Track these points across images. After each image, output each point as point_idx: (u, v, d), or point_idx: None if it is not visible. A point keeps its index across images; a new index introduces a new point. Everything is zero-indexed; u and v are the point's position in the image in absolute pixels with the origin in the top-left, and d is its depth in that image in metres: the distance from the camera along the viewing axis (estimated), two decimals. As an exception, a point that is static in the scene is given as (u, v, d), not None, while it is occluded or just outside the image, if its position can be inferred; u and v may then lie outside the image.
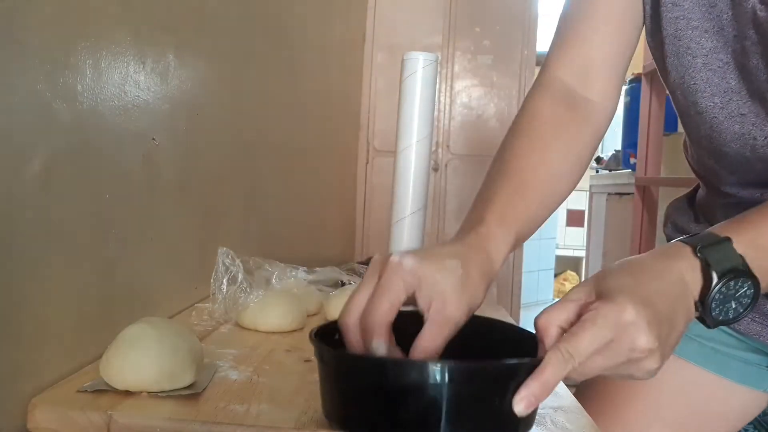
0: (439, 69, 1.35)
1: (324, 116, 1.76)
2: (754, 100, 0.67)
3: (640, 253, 2.79)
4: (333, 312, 0.90)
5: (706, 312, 0.54)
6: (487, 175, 0.69)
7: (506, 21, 2.30)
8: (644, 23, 0.74)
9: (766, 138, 0.68)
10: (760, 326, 0.78)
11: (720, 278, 0.53)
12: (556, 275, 4.77)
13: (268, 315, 0.81)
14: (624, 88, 3.57)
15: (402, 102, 1.05)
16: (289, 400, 0.57)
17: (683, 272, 0.53)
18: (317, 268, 0.94)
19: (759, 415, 0.83)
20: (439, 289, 0.53)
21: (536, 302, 4.38)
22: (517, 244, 0.64)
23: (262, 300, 0.82)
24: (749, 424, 0.84)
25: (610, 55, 0.74)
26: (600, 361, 0.48)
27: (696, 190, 0.89)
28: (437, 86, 1.12)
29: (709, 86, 0.69)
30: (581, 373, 0.48)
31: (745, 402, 0.83)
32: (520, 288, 2.32)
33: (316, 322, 0.88)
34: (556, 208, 0.73)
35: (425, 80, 1.04)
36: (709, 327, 0.55)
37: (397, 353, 0.53)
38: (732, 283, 0.53)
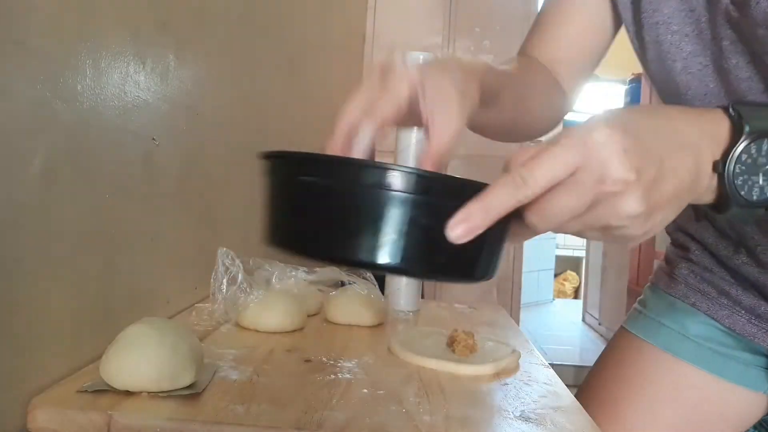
0: (439, 69, 1.35)
1: (324, 116, 1.76)
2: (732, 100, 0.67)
3: (639, 253, 2.78)
4: (333, 312, 0.90)
5: (727, 179, 0.44)
6: None
7: (506, 21, 2.31)
8: (621, 29, 0.76)
9: None
10: (756, 328, 0.78)
11: (751, 134, 0.44)
12: (556, 275, 4.78)
13: (268, 315, 0.81)
14: (624, 88, 3.58)
15: (402, 102, 1.05)
16: (289, 400, 0.57)
17: (703, 123, 0.45)
18: (317, 268, 0.94)
19: (763, 418, 0.83)
20: (444, 95, 0.49)
21: (536, 302, 4.39)
22: (494, 98, 0.60)
23: (262, 300, 0.82)
24: (752, 428, 0.84)
25: (574, 56, 0.79)
26: (564, 199, 0.40)
27: None
28: (437, 86, 1.12)
29: (689, 89, 0.69)
30: (542, 213, 0.41)
31: (744, 403, 0.83)
32: (520, 288, 2.33)
33: (316, 322, 0.89)
34: (522, 130, 0.76)
35: (425, 80, 1.04)
36: (724, 212, 0.46)
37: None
38: (765, 146, 0.44)
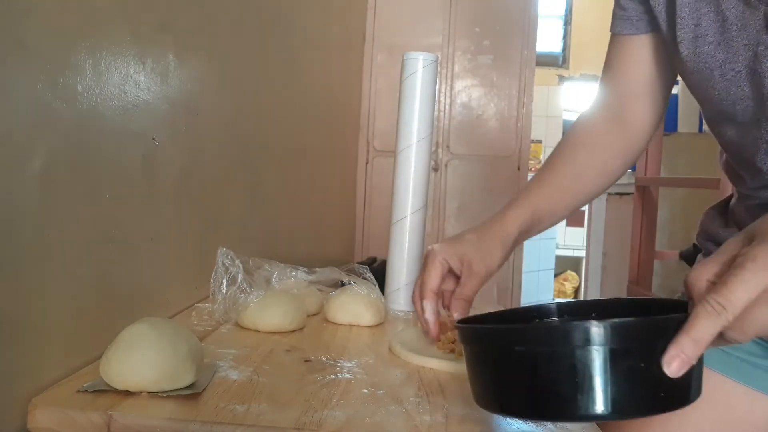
0: (439, 69, 1.35)
1: (324, 116, 1.76)
2: (766, 105, 0.70)
3: (639, 253, 2.78)
4: (333, 312, 0.90)
5: None
6: None
7: (506, 21, 2.31)
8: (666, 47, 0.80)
9: None
10: None
11: None
12: (556, 275, 4.77)
13: (268, 315, 0.81)
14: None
15: (402, 102, 1.05)
16: (289, 400, 0.57)
17: None
18: (317, 268, 0.94)
19: None
20: (464, 256, 0.76)
21: (536, 302, 4.38)
22: (537, 221, 0.81)
23: (262, 300, 0.82)
24: None
25: (645, 85, 0.85)
26: (761, 312, 0.44)
27: (729, 198, 0.90)
28: (437, 86, 1.12)
29: (729, 95, 0.73)
30: (743, 330, 0.45)
31: None
32: (520, 288, 2.33)
33: (316, 322, 0.89)
34: (578, 203, 0.88)
35: (425, 80, 1.04)
36: None
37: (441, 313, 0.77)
38: None
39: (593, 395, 0.43)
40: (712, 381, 0.82)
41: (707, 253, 0.90)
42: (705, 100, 0.77)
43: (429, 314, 0.75)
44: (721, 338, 0.46)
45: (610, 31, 0.86)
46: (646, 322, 0.45)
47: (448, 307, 0.78)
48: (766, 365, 0.81)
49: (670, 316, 0.45)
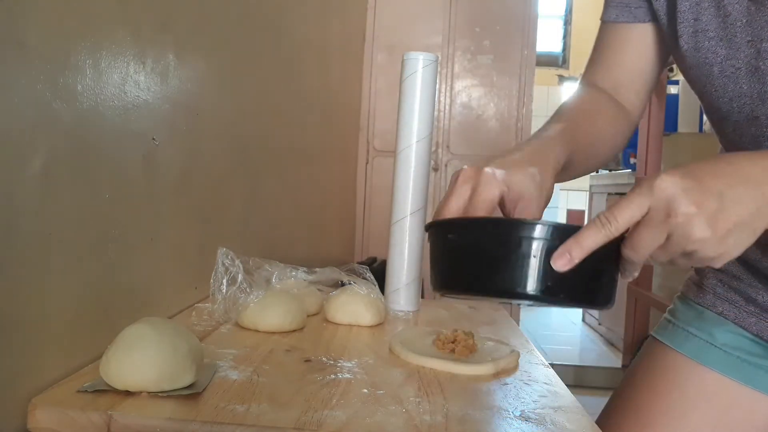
0: (439, 69, 1.35)
1: (324, 116, 1.76)
2: (765, 102, 0.70)
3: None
4: (333, 312, 0.90)
5: None
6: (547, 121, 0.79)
7: (506, 21, 2.31)
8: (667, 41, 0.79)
9: None
10: None
11: None
12: (556, 275, 4.76)
13: (268, 315, 0.81)
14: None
15: (402, 102, 1.05)
16: (289, 400, 0.57)
17: (766, 161, 0.54)
18: (317, 268, 0.94)
19: None
20: (525, 193, 0.63)
21: (536, 302, 4.38)
22: (569, 165, 0.73)
23: (262, 300, 0.82)
24: None
25: (638, 74, 0.85)
26: (644, 232, 0.52)
27: None
28: (437, 86, 1.12)
29: (726, 92, 0.73)
30: (633, 247, 0.53)
31: None
32: (520, 288, 2.32)
33: (316, 322, 0.89)
34: (596, 163, 0.84)
35: (425, 80, 1.04)
36: None
37: None
38: None
39: (513, 274, 0.54)
40: (713, 381, 0.83)
41: None
42: (703, 96, 0.77)
43: None
44: (624, 261, 0.55)
45: (602, 18, 0.85)
46: (554, 225, 0.54)
47: None
48: (766, 365, 0.81)
49: (573, 225, 0.55)
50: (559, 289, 0.54)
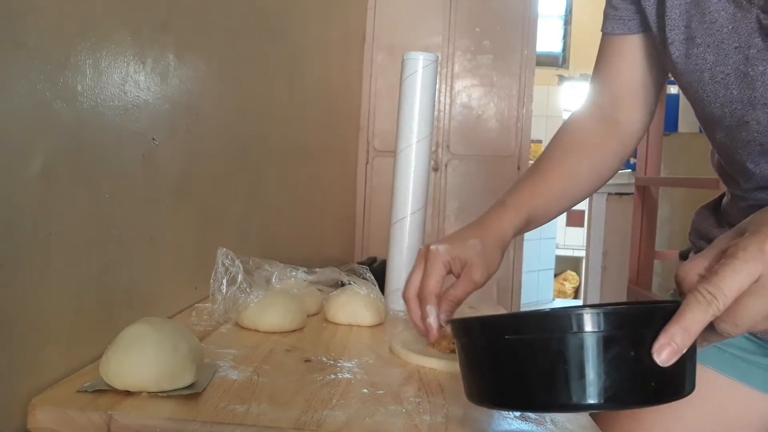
0: (439, 69, 1.35)
1: (324, 116, 1.76)
2: (756, 108, 0.70)
3: (639, 253, 2.78)
4: (333, 312, 0.90)
5: None
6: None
7: (506, 21, 2.31)
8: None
9: None
10: None
11: None
12: (556, 275, 4.77)
13: (268, 315, 0.81)
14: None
15: (402, 102, 1.05)
16: (289, 400, 0.57)
17: None
18: (317, 269, 0.94)
19: None
20: (467, 261, 0.73)
21: (536, 302, 4.38)
22: (530, 223, 0.81)
23: (262, 300, 0.82)
24: None
25: (638, 85, 0.85)
26: (753, 304, 0.44)
27: (722, 197, 0.90)
28: (437, 86, 1.12)
29: (717, 97, 0.73)
30: (735, 321, 0.45)
31: (765, 408, 0.82)
32: (520, 288, 2.33)
33: (316, 322, 0.89)
34: (571, 204, 0.88)
35: (425, 80, 1.04)
36: None
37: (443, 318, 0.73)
38: None
39: (584, 384, 0.42)
40: (707, 378, 0.83)
41: (700, 252, 0.90)
42: (695, 102, 0.77)
43: (433, 319, 0.72)
44: (713, 332, 0.46)
45: (602, 30, 0.86)
46: (636, 309, 0.44)
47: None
48: (761, 362, 0.81)
49: (659, 304, 0.44)
50: (664, 388, 0.44)
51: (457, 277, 0.74)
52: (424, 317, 0.73)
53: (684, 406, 0.83)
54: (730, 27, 0.68)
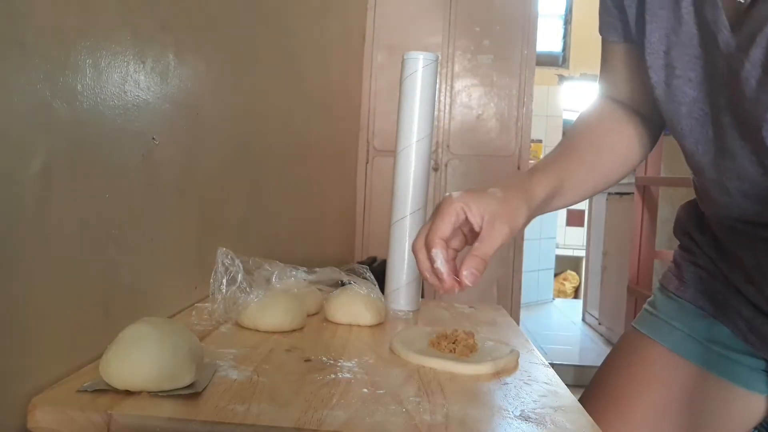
0: (439, 69, 1.35)
1: (324, 116, 1.76)
2: (725, 155, 0.69)
3: (639, 253, 2.78)
4: (333, 312, 0.90)
5: None
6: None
7: (506, 21, 2.31)
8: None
9: (735, 189, 0.70)
10: (755, 338, 0.79)
11: None
12: (556, 275, 4.78)
13: (268, 315, 0.81)
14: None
15: (402, 102, 1.05)
16: (289, 400, 0.57)
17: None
18: (317, 268, 0.94)
19: (764, 420, 0.83)
20: (487, 207, 0.65)
21: (536, 302, 4.39)
22: (562, 190, 0.74)
23: (262, 300, 0.82)
24: (753, 429, 0.84)
25: (643, 88, 0.79)
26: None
27: None
28: (437, 86, 1.12)
29: (692, 133, 0.71)
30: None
31: (747, 405, 0.83)
32: (520, 288, 2.33)
33: (316, 322, 0.89)
34: (603, 182, 0.82)
35: (425, 80, 1.04)
36: None
37: (452, 262, 0.66)
38: None
39: None
40: (692, 374, 0.83)
41: (683, 247, 0.90)
42: (670, 128, 0.75)
43: (441, 263, 0.65)
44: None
45: (599, 32, 0.84)
46: None
47: (457, 268, 0.67)
48: (744, 360, 0.82)
49: None
50: None
51: (477, 225, 0.66)
52: (432, 264, 0.66)
53: (668, 402, 0.83)
54: (718, 65, 0.64)
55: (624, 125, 0.83)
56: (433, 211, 0.69)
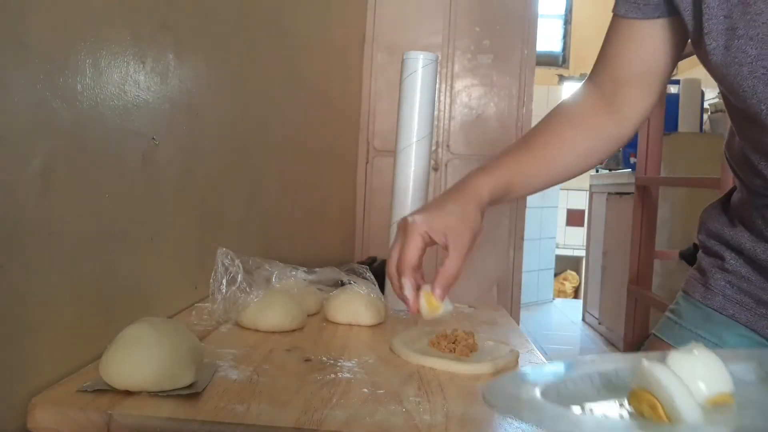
0: (439, 69, 1.35)
1: (324, 116, 1.76)
2: None
3: (639, 253, 2.76)
4: (333, 312, 0.90)
5: None
6: None
7: (506, 21, 2.30)
8: (689, 37, 0.76)
9: None
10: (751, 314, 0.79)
11: None
12: (556, 275, 4.78)
13: (268, 315, 0.81)
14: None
15: (402, 102, 1.05)
16: (289, 399, 0.57)
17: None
18: (317, 268, 0.94)
19: None
20: (447, 224, 0.71)
21: (536, 302, 4.39)
22: (510, 188, 0.79)
23: (262, 300, 0.82)
24: None
25: (641, 73, 0.82)
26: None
27: (730, 194, 0.89)
28: (437, 86, 1.12)
29: (755, 93, 0.70)
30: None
31: None
32: (520, 288, 2.33)
33: (316, 322, 0.89)
34: (559, 176, 0.85)
35: (425, 80, 1.04)
36: None
37: (422, 284, 0.71)
38: None
39: None
40: None
41: (709, 252, 0.89)
42: (730, 94, 0.74)
43: (408, 291, 0.72)
44: None
45: (613, 11, 0.82)
46: None
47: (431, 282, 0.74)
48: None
49: None
50: None
51: (444, 247, 0.72)
52: (399, 290, 0.73)
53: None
54: None
55: (586, 119, 0.85)
56: (396, 233, 0.75)
